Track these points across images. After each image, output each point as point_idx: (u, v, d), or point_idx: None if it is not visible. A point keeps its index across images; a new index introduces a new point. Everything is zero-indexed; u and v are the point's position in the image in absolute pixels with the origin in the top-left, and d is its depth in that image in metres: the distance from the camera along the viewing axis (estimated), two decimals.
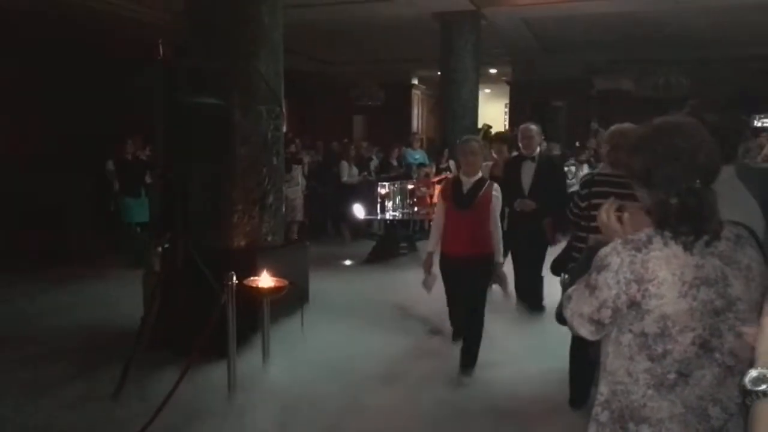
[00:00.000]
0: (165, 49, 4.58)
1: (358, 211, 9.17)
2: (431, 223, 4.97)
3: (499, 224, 4.38)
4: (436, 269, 4.55)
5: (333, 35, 12.68)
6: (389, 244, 8.79)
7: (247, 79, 4.99)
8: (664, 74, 13.89)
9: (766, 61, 13.25)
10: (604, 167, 3.96)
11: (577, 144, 13.38)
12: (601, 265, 1.55)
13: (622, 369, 1.57)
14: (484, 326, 4.41)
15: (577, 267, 2.43)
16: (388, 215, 8.57)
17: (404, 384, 4.30)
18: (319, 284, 5.91)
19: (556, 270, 4.05)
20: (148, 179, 8.61)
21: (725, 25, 11.34)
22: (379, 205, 8.56)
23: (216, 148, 4.91)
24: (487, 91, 19.24)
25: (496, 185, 4.38)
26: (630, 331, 1.55)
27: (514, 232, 5.32)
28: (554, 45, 13.85)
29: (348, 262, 8.69)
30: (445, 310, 4.89)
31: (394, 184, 8.73)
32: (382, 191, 8.56)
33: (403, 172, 10.57)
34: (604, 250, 1.57)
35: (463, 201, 4.35)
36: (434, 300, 4.85)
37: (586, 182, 3.79)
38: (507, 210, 5.28)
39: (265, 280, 4.23)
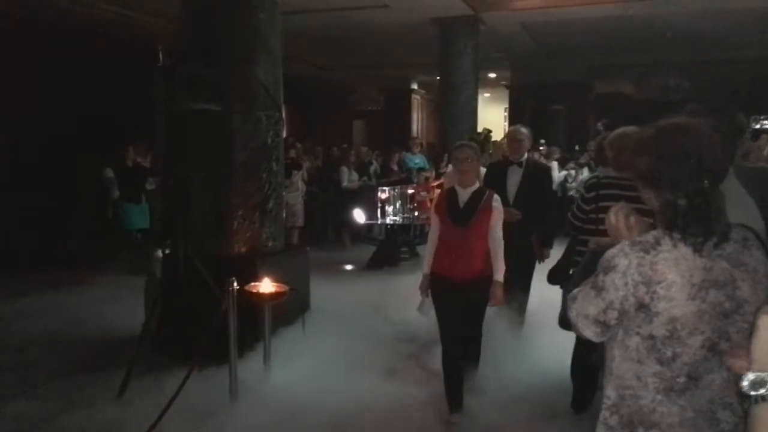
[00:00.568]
0: (164, 56, 4.60)
1: (359, 216, 9.16)
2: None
3: (501, 239, 3.84)
4: None
5: (332, 41, 12.70)
6: (390, 249, 8.78)
7: (246, 85, 5.00)
8: (664, 77, 13.91)
9: (766, 63, 13.26)
10: (607, 170, 3.93)
11: (577, 148, 13.39)
12: (608, 267, 1.54)
13: (630, 372, 1.56)
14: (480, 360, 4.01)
15: (579, 269, 2.44)
16: (389, 220, 8.57)
17: (406, 389, 4.29)
18: (320, 290, 5.90)
19: (553, 279, 4.02)
20: (149, 185, 8.61)
21: (725, 28, 11.35)
22: (379, 210, 8.56)
23: (216, 155, 4.91)
24: (487, 95, 19.27)
25: (496, 195, 3.89)
26: (637, 333, 1.54)
27: None
28: (553, 49, 13.88)
29: (349, 267, 8.68)
30: None
31: (394, 189, 8.72)
32: (383, 196, 8.56)
33: (404, 177, 10.57)
34: (611, 252, 1.55)
35: (460, 217, 3.82)
36: None
37: (592, 186, 3.71)
38: None
39: (265, 285, 4.23)
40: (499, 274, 3.80)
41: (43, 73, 9.08)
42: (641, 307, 1.50)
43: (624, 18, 10.63)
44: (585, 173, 10.19)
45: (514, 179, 5.02)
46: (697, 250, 1.48)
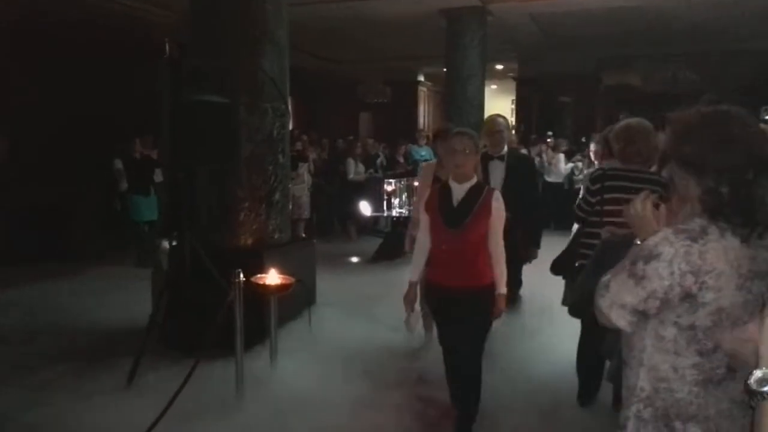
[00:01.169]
0: (170, 48, 4.59)
1: (365, 208, 9.17)
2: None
3: (502, 243, 3.37)
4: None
5: (338, 32, 12.66)
6: (396, 241, 8.76)
7: (252, 77, 4.99)
8: (673, 69, 13.81)
9: None
10: (613, 162, 3.91)
11: (584, 140, 13.34)
12: (650, 255, 1.49)
13: (665, 364, 1.53)
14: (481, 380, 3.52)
15: (592, 260, 2.42)
16: (395, 212, 8.57)
17: (413, 383, 4.29)
18: (326, 282, 5.91)
19: (557, 270, 4.00)
20: (157, 177, 8.63)
21: (734, 19, 11.24)
22: (385, 202, 8.56)
23: (222, 146, 4.92)
24: (494, 87, 19.18)
25: (497, 193, 3.39)
26: (675, 324, 1.51)
27: None
28: (561, 40, 13.78)
29: (355, 260, 8.69)
30: None
31: (400, 181, 8.71)
32: (389, 188, 8.56)
33: (410, 169, 10.55)
34: (653, 240, 1.51)
35: (453, 217, 3.32)
36: None
37: (597, 177, 3.70)
38: None
39: (272, 277, 4.24)
40: (501, 286, 3.35)
41: (48, 65, 9.08)
42: (687, 296, 1.47)
43: (632, 9, 10.54)
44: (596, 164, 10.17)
45: (496, 175, 4.62)
46: (746, 239, 1.45)
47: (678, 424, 1.52)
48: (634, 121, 3.72)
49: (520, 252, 4.64)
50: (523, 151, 8.74)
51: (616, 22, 11.53)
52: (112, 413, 3.77)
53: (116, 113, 9.34)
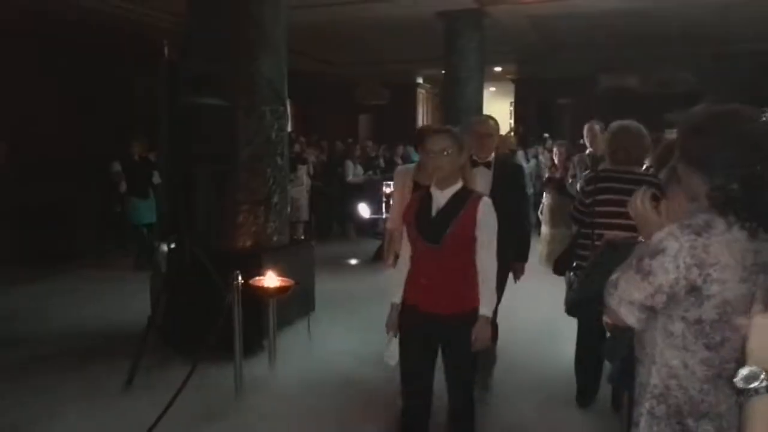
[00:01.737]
0: (169, 51, 4.61)
1: (364, 210, 9.18)
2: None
3: (494, 259, 2.90)
4: None
5: (337, 35, 12.67)
6: None
7: (250, 79, 5.00)
8: (670, 71, 13.85)
9: None
10: (606, 164, 3.96)
11: (581, 141, 13.35)
12: (655, 250, 1.51)
13: (676, 360, 1.54)
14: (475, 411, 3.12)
15: (592, 261, 2.43)
16: None
17: None
18: (325, 284, 5.92)
19: (558, 269, 4.04)
20: (156, 180, 8.64)
21: (730, 22, 11.28)
22: (384, 204, 8.57)
23: (220, 149, 4.93)
24: (492, 89, 19.21)
25: (486, 199, 2.90)
26: (683, 319, 1.52)
27: None
28: (559, 43, 13.81)
29: (354, 262, 8.70)
30: None
31: None
32: (387, 190, 8.57)
33: None
34: (658, 235, 1.53)
35: (431, 229, 2.84)
36: None
37: (591, 179, 3.78)
38: None
39: (270, 279, 4.24)
40: (487, 308, 2.83)
41: (48, 68, 9.09)
42: (693, 290, 1.49)
43: (629, 12, 10.57)
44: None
45: (482, 184, 4.04)
46: (753, 234, 1.47)
47: (690, 421, 1.53)
48: (624, 123, 3.77)
49: (509, 266, 4.14)
50: (521, 153, 8.72)
51: (614, 24, 11.56)
52: (111, 416, 3.77)
53: (115, 115, 9.35)
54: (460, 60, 11.01)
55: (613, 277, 1.64)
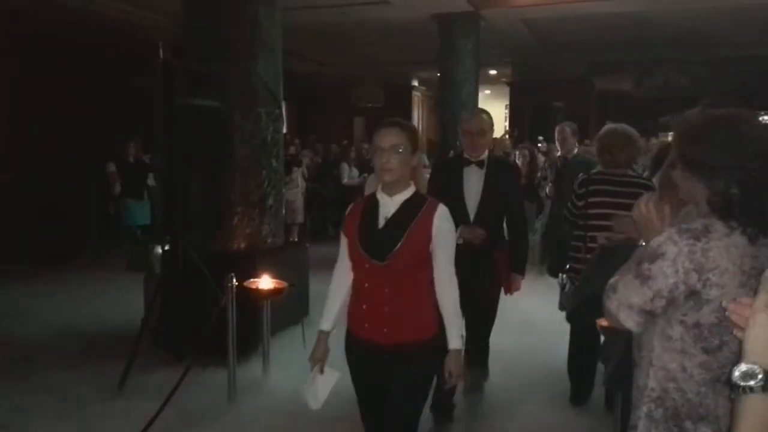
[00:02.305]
0: (165, 52, 4.60)
1: None
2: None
3: (453, 278, 2.42)
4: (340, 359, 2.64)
5: (332, 37, 12.67)
6: None
7: (246, 81, 4.99)
8: (664, 74, 13.90)
9: (766, 60, 13.25)
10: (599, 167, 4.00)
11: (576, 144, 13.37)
12: (654, 255, 1.52)
13: (674, 363, 1.55)
14: None
15: (589, 264, 2.45)
16: None
17: None
18: (320, 286, 5.86)
19: (553, 271, 4.07)
20: (150, 181, 8.62)
21: (724, 26, 11.33)
22: None
23: (215, 150, 4.92)
24: (487, 92, 19.24)
25: (443, 207, 2.40)
26: (681, 323, 1.53)
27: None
28: (554, 46, 13.85)
29: None
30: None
31: None
32: None
33: None
34: (657, 240, 1.53)
35: (376, 244, 2.36)
36: None
37: (583, 182, 3.82)
38: None
39: (265, 282, 4.23)
40: (456, 340, 2.37)
41: (43, 69, 9.07)
42: (692, 294, 1.49)
43: (624, 15, 10.60)
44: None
45: (473, 184, 3.70)
46: (753, 240, 1.48)
47: (688, 424, 1.54)
48: (614, 126, 3.81)
49: (501, 280, 3.80)
50: (517, 154, 8.76)
51: (609, 27, 11.60)
52: (102, 418, 3.76)
53: (110, 117, 9.33)
54: (456, 63, 11.02)
55: (612, 280, 1.64)
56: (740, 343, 1.20)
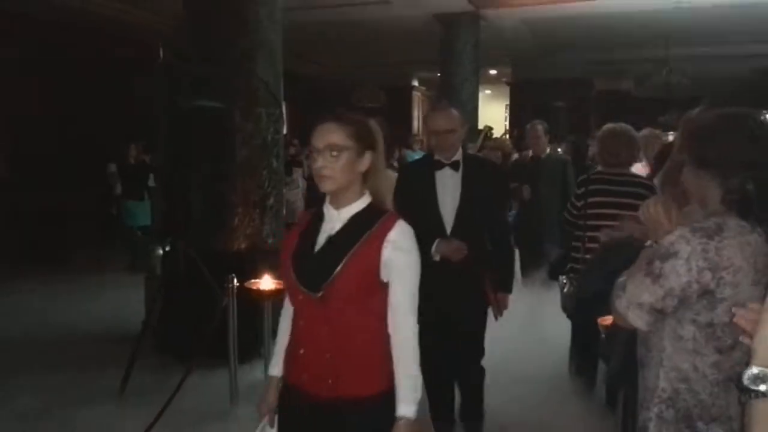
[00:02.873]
0: (166, 53, 4.60)
1: None
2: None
3: (411, 318, 1.85)
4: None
5: (332, 38, 12.67)
6: None
7: (246, 82, 4.99)
8: (665, 75, 13.88)
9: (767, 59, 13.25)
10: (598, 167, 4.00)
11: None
12: (666, 253, 1.51)
13: (686, 364, 1.54)
14: None
15: (592, 263, 2.44)
16: None
17: None
18: None
19: (554, 274, 4.05)
20: (151, 182, 8.62)
21: (725, 25, 11.32)
22: None
23: (216, 151, 4.92)
24: (488, 92, 19.24)
25: (401, 224, 1.88)
26: (693, 322, 1.52)
27: (428, 302, 2.75)
28: (554, 46, 13.83)
29: None
30: None
31: None
32: None
33: None
34: (669, 238, 1.53)
35: (312, 270, 1.87)
36: None
37: (582, 182, 3.82)
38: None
39: (266, 282, 4.22)
40: (406, 406, 1.79)
41: (44, 71, 9.07)
42: (705, 293, 1.48)
43: (624, 15, 10.60)
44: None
45: (448, 190, 3.15)
46: (767, 237, 1.48)
47: (701, 425, 1.53)
48: (614, 126, 3.81)
49: (488, 302, 3.28)
50: (515, 156, 8.60)
51: (609, 27, 11.59)
52: (104, 420, 3.75)
53: (112, 118, 9.33)
54: (456, 63, 11.02)
55: (621, 279, 1.63)
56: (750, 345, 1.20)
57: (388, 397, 1.82)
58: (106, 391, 4.08)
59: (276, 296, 4.21)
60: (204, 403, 3.91)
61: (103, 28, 9.79)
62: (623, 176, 3.65)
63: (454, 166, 3.19)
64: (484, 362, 3.54)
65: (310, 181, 10.47)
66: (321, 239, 1.91)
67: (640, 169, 5.42)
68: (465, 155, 3.27)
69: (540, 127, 5.93)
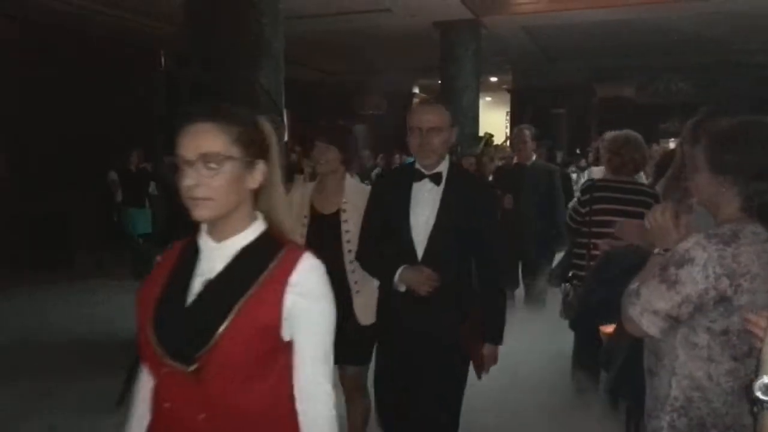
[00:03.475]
0: (168, 61, 4.61)
1: None
2: None
3: (325, 387, 1.38)
4: None
5: (334, 45, 12.71)
6: None
7: (248, 89, 5.00)
8: (665, 81, 13.90)
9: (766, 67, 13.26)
10: (603, 173, 3.99)
11: (578, 151, 13.39)
12: (682, 260, 1.50)
13: (700, 372, 1.53)
14: None
15: (593, 271, 2.43)
16: None
17: None
18: None
19: (555, 280, 4.04)
20: (152, 190, 8.62)
21: (726, 32, 11.34)
22: None
23: None
24: (488, 99, 19.27)
25: (308, 260, 1.39)
26: (708, 330, 1.51)
27: (387, 345, 2.59)
28: (555, 53, 13.87)
29: None
30: None
31: None
32: None
33: None
34: (684, 245, 1.52)
35: (180, 331, 1.32)
36: None
37: (587, 188, 3.81)
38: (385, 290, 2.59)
39: None
40: None
41: (44, 76, 9.09)
42: (722, 300, 1.48)
43: (625, 22, 10.62)
44: (586, 176, 10.18)
45: (424, 205, 2.50)
46: None
47: None
48: (622, 132, 3.80)
49: (468, 355, 2.56)
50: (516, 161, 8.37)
51: (610, 34, 11.62)
52: (104, 427, 3.72)
53: (112, 125, 9.34)
54: (457, 70, 11.05)
55: (633, 286, 1.62)
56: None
57: None
58: (107, 397, 4.06)
59: None
60: None
61: (108, 35, 9.83)
62: (629, 184, 3.64)
63: (436, 178, 2.53)
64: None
65: None
66: (195, 285, 1.34)
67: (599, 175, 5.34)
68: (452, 167, 2.59)
69: (527, 132, 5.45)
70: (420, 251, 2.48)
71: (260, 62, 5.06)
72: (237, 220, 1.39)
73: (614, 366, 2.26)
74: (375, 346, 2.72)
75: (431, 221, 2.49)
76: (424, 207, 2.51)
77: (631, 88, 15.46)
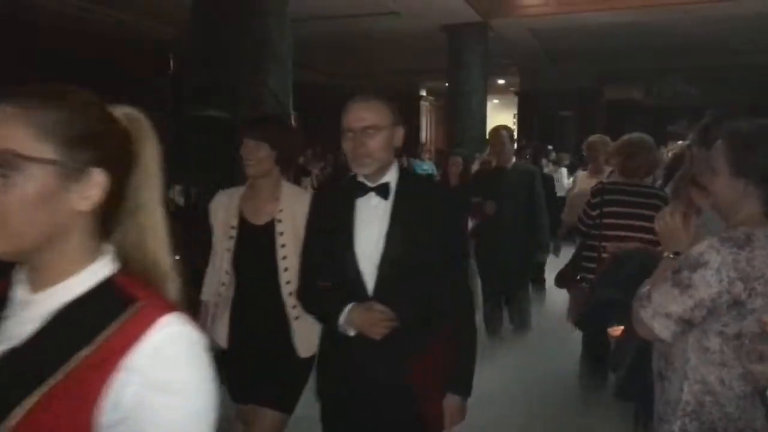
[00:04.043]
0: (175, 63, 4.63)
1: None
2: None
3: None
4: None
5: (341, 48, 12.74)
6: None
7: (255, 92, 5.01)
8: (674, 83, 13.86)
9: None
10: (612, 176, 3.98)
11: (584, 154, 13.34)
12: (695, 263, 1.49)
13: (712, 376, 1.52)
14: None
15: (602, 273, 2.42)
16: None
17: None
18: None
19: (561, 282, 4.03)
20: None
21: (733, 34, 11.30)
22: None
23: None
24: (496, 101, 19.26)
25: (170, 327, 0.87)
26: (720, 334, 1.50)
27: (334, 398, 2.14)
28: (562, 55, 13.86)
29: None
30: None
31: None
32: None
33: None
34: (698, 248, 1.51)
35: None
36: None
37: (597, 191, 3.79)
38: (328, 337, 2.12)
39: None
40: None
41: (47, 79, 9.14)
42: (735, 304, 1.47)
43: (633, 24, 10.60)
44: (564, 176, 10.23)
45: (370, 227, 1.99)
46: None
47: None
48: (634, 135, 3.79)
49: (426, 413, 1.97)
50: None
51: (617, 37, 11.59)
52: None
53: None
54: (464, 73, 11.05)
55: (644, 290, 1.62)
56: None
57: None
58: None
59: None
60: None
61: (114, 37, 9.87)
62: (639, 186, 3.63)
63: (382, 191, 2.00)
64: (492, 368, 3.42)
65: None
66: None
67: (588, 176, 5.21)
68: (402, 174, 2.07)
69: (504, 132, 5.09)
70: (370, 284, 1.95)
71: (268, 65, 5.07)
72: (59, 260, 0.91)
73: (622, 368, 2.25)
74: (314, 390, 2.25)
75: (381, 245, 1.95)
76: (371, 228, 1.97)
77: (639, 91, 15.42)
